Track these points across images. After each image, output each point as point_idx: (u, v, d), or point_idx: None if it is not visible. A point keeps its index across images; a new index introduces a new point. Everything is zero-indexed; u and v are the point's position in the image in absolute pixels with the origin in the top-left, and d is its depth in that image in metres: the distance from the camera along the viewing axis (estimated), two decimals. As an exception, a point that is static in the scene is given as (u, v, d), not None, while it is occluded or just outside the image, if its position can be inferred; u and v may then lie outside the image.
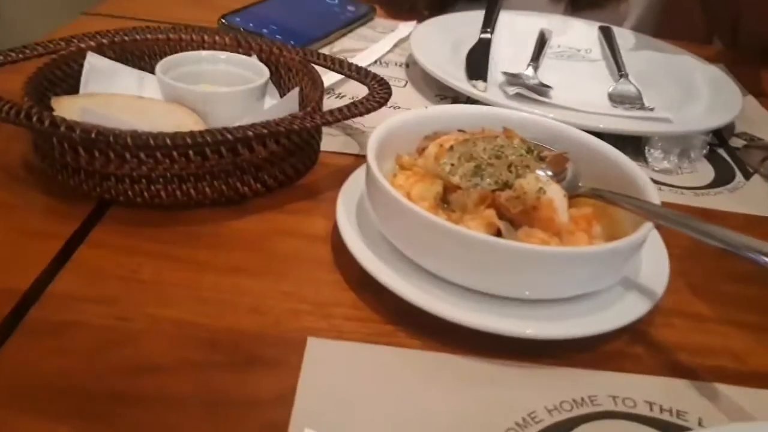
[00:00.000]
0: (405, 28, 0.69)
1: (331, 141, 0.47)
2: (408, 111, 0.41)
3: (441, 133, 0.40)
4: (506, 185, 0.35)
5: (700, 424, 0.28)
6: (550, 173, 0.37)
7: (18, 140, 0.42)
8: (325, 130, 0.47)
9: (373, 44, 0.65)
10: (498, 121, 0.41)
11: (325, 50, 0.64)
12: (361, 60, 0.62)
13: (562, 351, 0.31)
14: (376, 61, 0.63)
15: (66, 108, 0.40)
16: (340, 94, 0.55)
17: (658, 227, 0.34)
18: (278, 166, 0.40)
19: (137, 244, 0.35)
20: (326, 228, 0.38)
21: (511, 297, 0.31)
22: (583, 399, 0.29)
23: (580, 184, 0.37)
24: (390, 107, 0.53)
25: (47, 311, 0.31)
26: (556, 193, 0.34)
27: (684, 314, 0.35)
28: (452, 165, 0.36)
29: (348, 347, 0.31)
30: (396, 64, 0.63)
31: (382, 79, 0.45)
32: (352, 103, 0.42)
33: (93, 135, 0.35)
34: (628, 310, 0.32)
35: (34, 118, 0.35)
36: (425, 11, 0.80)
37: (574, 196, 0.36)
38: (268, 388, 0.28)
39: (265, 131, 0.37)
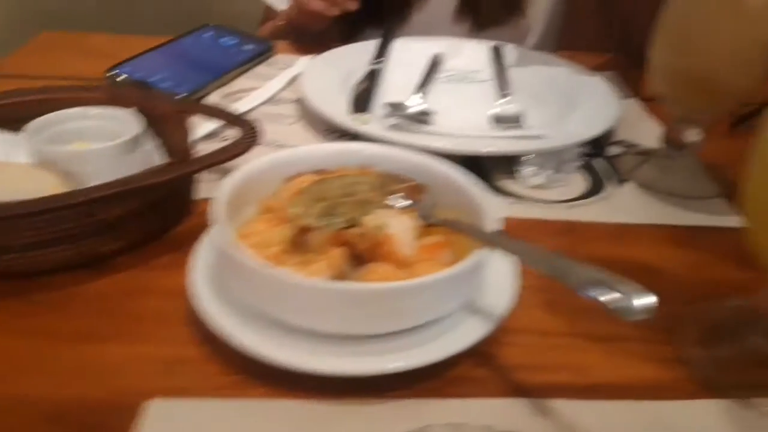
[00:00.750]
0: (303, 63, 0.70)
1: (208, 188, 0.48)
2: (273, 153, 0.42)
3: (303, 174, 0.41)
4: (353, 223, 0.36)
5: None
6: (405, 204, 0.38)
7: None
8: (202, 176, 0.47)
9: (264, 84, 0.66)
10: (359, 157, 0.42)
11: (220, 92, 0.65)
12: (253, 100, 0.62)
13: (405, 382, 0.32)
14: (268, 99, 0.64)
15: None
16: (224, 137, 0.55)
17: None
18: (140, 221, 0.40)
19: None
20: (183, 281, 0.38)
21: (344, 335, 0.32)
22: (418, 429, 0.29)
23: (434, 213, 0.38)
24: (278, 145, 0.54)
25: None
26: (398, 227, 0.35)
27: (533, 332, 0.36)
28: (305, 207, 0.37)
29: (192, 404, 0.31)
30: (289, 101, 0.64)
31: (250, 123, 0.46)
32: (213, 151, 0.42)
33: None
34: (465, 335, 0.33)
35: None
36: (334, 42, 0.83)
37: (429, 225, 0.38)
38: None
39: (114, 190, 0.37)
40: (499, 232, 0.34)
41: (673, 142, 0.51)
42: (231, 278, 0.34)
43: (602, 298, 0.27)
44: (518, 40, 0.87)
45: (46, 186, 0.41)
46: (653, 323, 0.36)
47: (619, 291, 0.27)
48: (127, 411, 0.30)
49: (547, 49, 0.90)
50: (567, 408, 0.31)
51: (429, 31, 0.83)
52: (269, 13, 0.93)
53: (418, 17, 0.87)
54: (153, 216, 0.41)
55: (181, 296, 0.37)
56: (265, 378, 0.32)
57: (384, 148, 0.43)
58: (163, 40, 0.72)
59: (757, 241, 0.31)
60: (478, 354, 0.34)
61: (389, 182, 0.39)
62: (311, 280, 0.31)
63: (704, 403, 0.32)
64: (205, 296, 0.34)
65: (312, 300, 0.31)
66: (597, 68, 0.68)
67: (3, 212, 0.35)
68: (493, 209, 0.36)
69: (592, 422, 0.31)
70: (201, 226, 0.42)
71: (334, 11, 0.73)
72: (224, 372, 0.33)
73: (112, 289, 0.38)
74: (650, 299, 0.26)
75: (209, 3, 1.28)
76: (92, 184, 0.37)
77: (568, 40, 0.91)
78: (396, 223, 0.35)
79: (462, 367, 0.33)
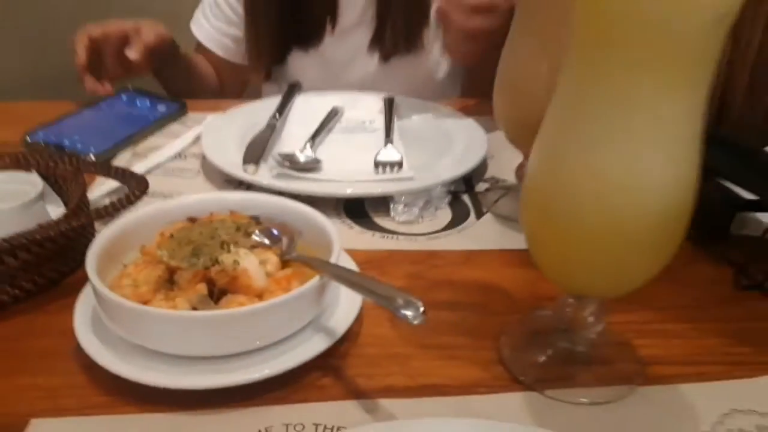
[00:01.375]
0: (209, 120, 0.77)
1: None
2: (151, 204, 0.48)
3: (176, 221, 0.47)
4: (215, 261, 0.42)
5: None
6: (261, 242, 0.44)
7: None
8: (99, 229, 0.53)
9: (173, 142, 0.72)
10: (228, 204, 0.48)
11: (131, 150, 0.71)
12: (159, 156, 0.68)
13: (256, 392, 0.37)
14: (175, 156, 0.70)
15: None
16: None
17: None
18: (36, 271, 0.46)
19: None
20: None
21: (197, 356, 0.38)
22: (261, 430, 0.35)
23: (292, 251, 0.44)
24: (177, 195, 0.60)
25: None
26: (251, 263, 0.41)
27: (375, 344, 0.42)
28: (172, 250, 0.43)
29: (69, 422, 0.36)
30: (195, 156, 0.70)
31: (140, 178, 0.52)
32: (103, 206, 0.48)
33: None
34: (307, 350, 0.38)
35: None
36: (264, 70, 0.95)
37: (288, 260, 0.44)
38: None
39: (9, 244, 0.42)
40: (335, 265, 0.40)
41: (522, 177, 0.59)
42: (105, 312, 0.39)
43: (393, 309, 0.33)
44: (429, 72, 0.96)
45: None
46: (483, 332, 0.43)
47: (406, 305, 0.33)
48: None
49: (457, 81, 0.99)
50: (394, 406, 0.37)
51: (345, 61, 0.95)
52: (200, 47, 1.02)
53: (334, 50, 0.96)
54: (49, 266, 0.47)
55: (70, 335, 0.42)
56: (137, 397, 0.37)
57: (250, 195, 0.50)
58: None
59: (537, 260, 0.38)
60: (325, 366, 0.40)
61: (252, 225, 0.45)
62: (161, 310, 0.37)
63: (510, 395, 0.38)
64: (84, 332, 0.39)
65: (164, 327, 0.36)
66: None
67: None
68: (339, 244, 0.43)
69: (413, 415, 0.36)
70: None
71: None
72: (101, 394, 0.38)
73: (7, 332, 0.43)
74: (419, 310, 0.32)
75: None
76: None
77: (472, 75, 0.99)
78: (249, 260, 0.41)
79: (309, 377, 0.39)
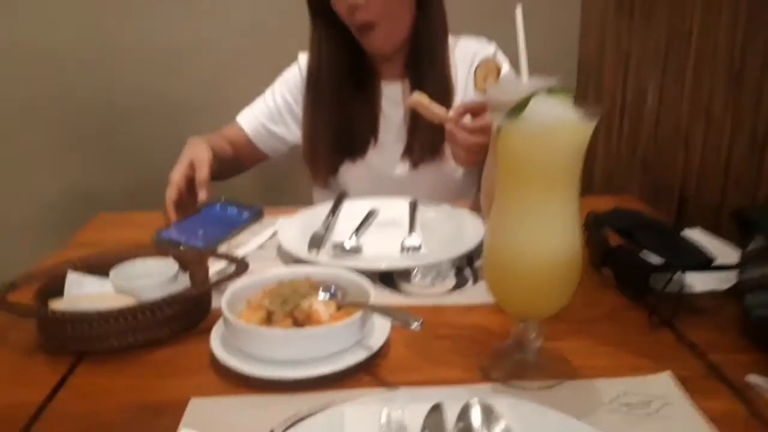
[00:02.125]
0: (280, 221, 1.04)
1: (217, 299, 0.78)
2: (258, 273, 0.74)
3: (270, 284, 0.72)
4: (297, 306, 0.66)
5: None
6: (326, 295, 0.69)
7: (22, 327, 0.72)
8: (214, 294, 0.78)
9: (256, 236, 0.99)
10: (303, 273, 0.73)
11: (227, 243, 0.98)
12: (248, 247, 0.95)
13: (326, 382, 0.60)
14: (259, 246, 0.97)
15: (57, 305, 0.71)
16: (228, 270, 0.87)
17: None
18: (179, 320, 0.71)
19: (98, 379, 0.65)
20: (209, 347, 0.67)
21: (291, 360, 0.61)
22: (327, 402, 0.58)
23: (344, 301, 0.69)
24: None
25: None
26: (319, 306, 0.66)
27: (398, 356, 0.65)
28: (270, 300, 0.68)
29: (213, 400, 0.59)
30: (272, 247, 0.97)
31: (242, 261, 0.78)
32: (219, 279, 0.74)
33: (72, 316, 0.65)
34: (353, 358, 0.62)
35: (42, 313, 0.66)
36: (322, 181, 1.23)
37: (341, 306, 0.68)
38: None
39: (159, 302, 0.68)
40: (371, 304, 0.65)
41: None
42: (231, 335, 0.64)
43: (404, 324, 0.57)
44: (449, 174, 1.22)
45: (126, 302, 0.72)
46: (470, 351, 0.66)
47: (413, 321, 0.57)
48: (176, 408, 0.59)
49: (473, 182, 1.24)
50: (409, 391, 0.60)
51: (384, 168, 1.22)
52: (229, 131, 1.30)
53: (376, 159, 1.23)
54: (186, 316, 0.72)
55: (206, 353, 0.66)
56: (250, 385, 0.61)
57: (320, 268, 0.75)
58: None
59: (495, 297, 0.61)
60: (366, 367, 0.63)
61: (319, 285, 0.70)
62: (270, 329, 0.62)
63: (487, 384, 0.60)
64: (217, 348, 0.64)
65: (269, 341, 0.61)
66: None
67: (106, 314, 0.66)
68: (373, 293, 0.67)
69: (420, 396, 0.59)
70: (215, 318, 0.72)
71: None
72: (229, 384, 0.61)
73: (165, 355, 0.68)
74: (419, 322, 0.56)
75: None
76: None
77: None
78: (318, 305, 0.66)
79: (356, 375, 0.62)
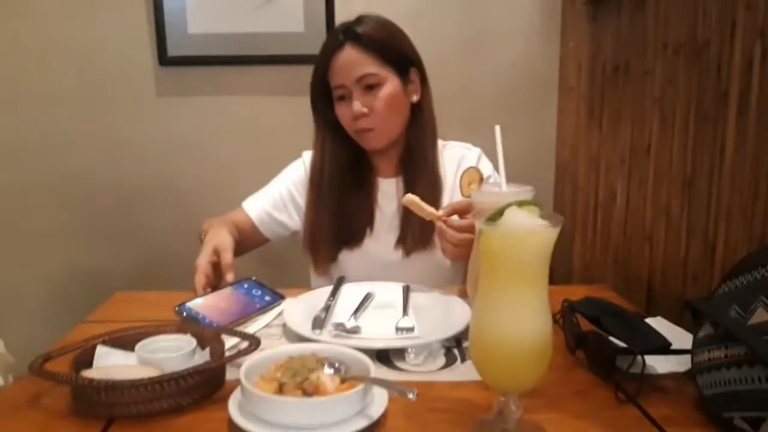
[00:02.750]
0: (286, 303, 1.14)
1: (232, 371, 0.87)
2: (269, 350, 0.83)
3: (281, 360, 0.81)
4: (306, 378, 0.76)
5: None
6: (331, 371, 0.78)
7: (59, 389, 0.80)
8: (229, 368, 0.87)
9: (263, 317, 1.09)
10: (310, 350, 0.83)
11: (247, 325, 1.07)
12: (256, 326, 1.05)
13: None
14: (267, 324, 1.06)
15: (88, 374, 0.80)
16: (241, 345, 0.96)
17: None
18: (199, 389, 0.80)
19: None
20: (227, 414, 0.76)
21: (306, 426, 0.70)
22: (333, 464, 0.66)
23: (347, 375, 0.78)
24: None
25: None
26: (326, 379, 0.75)
27: (396, 423, 0.74)
28: (282, 373, 0.77)
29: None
30: (277, 326, 1.06)
31: (254, 337, 0.88)
32: (233, 354, 0.83)
33: (106, 384, 0.74)
34: (358, 424, 0.70)
35: (78, 381, 0.75)
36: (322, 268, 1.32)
37: (345, 379, 0.77)
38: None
39: (183, 373, 0.77)
40: (371, 377, 0.74)
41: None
42: (248, 402, 0.73)
43: (401, 394, 0.67)
44: (439, 263, 1.33)
45: (151, 373, 0.81)
46: (459, 423, 0.75)
47: (408, 391, 0.67)
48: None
49: (460, 270, 1.34)
50: (404, 455, 0.68)
51: (379, 255, 1.32)
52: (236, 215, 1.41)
53: (372, 247, 1.35)
54: (206, 386, 0.81)
55: (223, 419, 0.75)
56: (264, 450, 0.69)
57: (325, 345, 0.85)
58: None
59: (480, 373, 0.71)
60: (365, 436, 0.71)
61: (324, 361, 0.80)
62: (284, 397, 0.71)
63: (469, 451, 0.69)
64: (235, 413, 0.73)
65: (283, 408, 0.70)
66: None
67: (136, 383, 0.75)
68: (373, 368, 0.77)
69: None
70: (229, 389, 0.81)
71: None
72: (245, 449, 0.70)
73: (188, 421, 0.76)
74: (414, 393, 0.66)
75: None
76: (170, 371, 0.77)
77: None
78: (325, 377, 0.75)
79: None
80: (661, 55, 1.22)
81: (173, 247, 1.91)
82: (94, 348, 0.87)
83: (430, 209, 1.10)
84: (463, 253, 1.10)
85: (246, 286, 1.18)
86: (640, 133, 1.32)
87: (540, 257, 0.66)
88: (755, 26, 0.94)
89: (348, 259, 1.37)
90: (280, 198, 1.44)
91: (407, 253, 1.34)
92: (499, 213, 0.66)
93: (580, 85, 1.69)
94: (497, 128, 0.90)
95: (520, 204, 0.66)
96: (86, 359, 0.85)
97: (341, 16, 1.67)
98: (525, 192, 0.87)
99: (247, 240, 1.43)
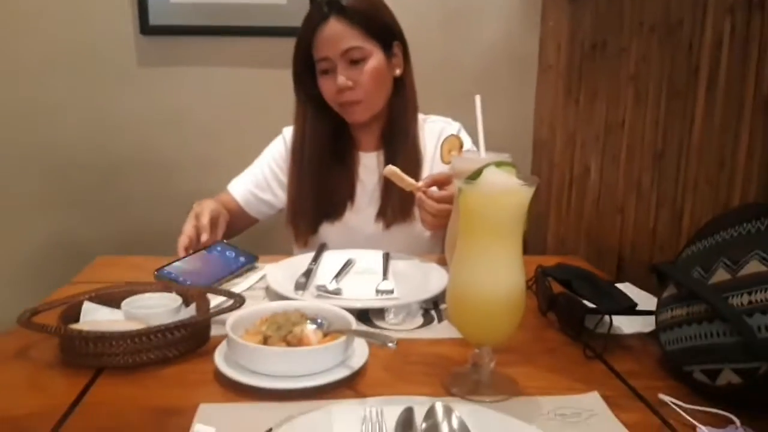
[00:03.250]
0: (269, 267, 1.16)
1: (216, 328, 0.89)
2: (254, 307, 0.86)
3: (266, 315, 0.84)
4: (290, 332, 0.78)
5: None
6: (315, 326, 0.81)
7: (47, 342, 0.82)
8: (213, 323, 0.90)
9: (245, 280, 1.11)
10: (293, 307, 0.86)
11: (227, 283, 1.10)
12: (237, 288, 1.07)
13: (313, 393, 0.72)
14: (250, 287, 1.09)
15: (77, 327, 0.82)
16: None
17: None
18: (185, 342, 0.82)
19: (117, 389, 0.75)
20: (213, 366, 0.78)
21: (288, 375, 0.73)
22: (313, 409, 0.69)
23: (329, 329, 0.81)
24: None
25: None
26: (310, 332, 0.78)
27: (375, 374, 0.77)
28: (267, 327, 0.80)
29: (218, 406, 0.70)
30: (260, 288, 1.09)
31: (238, 296, 0.90)
32: (218, 310, 0.86)
33: (95, 335, 0.76)
34: (337, 374, 0.74)
35: (67, 332, 0.77)
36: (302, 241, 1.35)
37: (328, 332, 0.80)
38: None
39: (170, 326, 0.80)
40: (352, 329, 0.77)
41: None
42: (234, 353, 0.75)
43: (382, 343, 0.70)
44: (418, 235, 1.36)
45: (138, 327, 0.83)
46: (435, 374, 0.78)
47: (389, 341, 0.70)
48: (187, 412, 0.69)
49: (437, 239, 1.38)
50: (382, 400, 0.71)
51: (359, 228, 1.35)
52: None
53: (352, 220, 1.37)
54: (191, 340, 0.83)
55: (209, 371, 0.77)
56: (249, 395, 0.72)
57: (308, 303, 0.88)
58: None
59: (456, 326, 0.74)
60: (349, 382, 0.75)
61: (307, 316, 0.83)
62: (268, 347, 0.74)
63: (447, 398, 0.73)
64: (220, 363, 0.75)
65: (267, 357, 0.73)
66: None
67: (125, 334, 0.77)
68: (353, 322, 0.80)
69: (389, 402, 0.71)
70: (214, 344, 0.84)
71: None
72: (231, 393, 0.72)
73: (173, 372, 0.78)
74: (394, 342, 0.69)
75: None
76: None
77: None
78: (308, 330, 0.78)
79: (340, 388, 0.74)
80: (637, 32, 1.26)
81: (153, 217, 1.91)
82: (80, 304, 0.89)
83: (410, 180, 1.13)
84: (441, 224, 1.13)
85: (219, 249, 1.21)
86: (615, 110, 1.36)
87: (515, 215, 0.70)
88: (726, 5, 0.98)
89: (328, 231, 1.40)
90: (263, 177, 1.45)
91: (387, 225, 1.37)
92: (477, 173, 0.69)
93: (559, 64, 1.73)
94: (477, 97, 0.93)
95: (498, 164, 0.70)
96: (73, 315, 0.87)
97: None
98: (502, 158, 0.90)
99: (237, 222, 1.44)
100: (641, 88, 1.25)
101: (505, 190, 0.68)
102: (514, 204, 0.69)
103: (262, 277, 1.11)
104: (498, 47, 1.91)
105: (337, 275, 1.09)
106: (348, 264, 1.16)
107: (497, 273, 0.70)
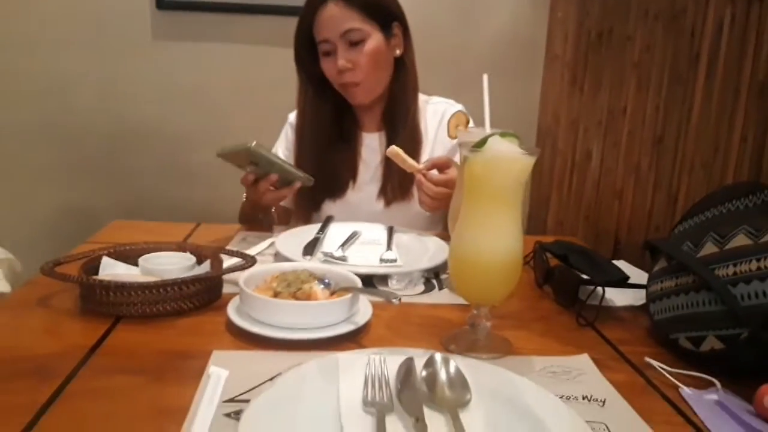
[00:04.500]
0: (279, 231, 1.21)
1: (228, 287, 0.94)
2: (265, 265, 0.90)
3: (276, 273, 0.89)
4: (300, 288, 0.83)
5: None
6: (323, 285, 0.85)
7: (67, 293, 0.87)
8: (226, 281, 0.94)
9: (254, 246, 1.16)
10: (303, 267, 0.90)
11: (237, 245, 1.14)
12: (253, 250, 1.12)
13: (320, 345, 0.76)
14: (257, 254, 1.13)
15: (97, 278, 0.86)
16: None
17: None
18: (200, 295, 0.87)
19: (135, 335, 0.80)
20: (225, 318, 0.83)
21: (297, 327, 0.78)
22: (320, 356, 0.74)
23: (336, 287, 0.86)
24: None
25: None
26: (318, 289, 0.82)
27: (383, 332, 0.82)
28: (278, 283, 0.84)
29: (230, 353, 0.75)
30: (269, 254, 1.14)
31: (250, 256, 0.95)
32: (230, 266, 0.90)
33: (115, 285, 0.81)
34: (344, 329, 0.78)
35: (89, 281, 0.81)
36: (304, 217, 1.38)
37: (334, 291, 0.85)
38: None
39: (186, 279, 0.84)
40: (358, 287, 0.82)
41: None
42: (246, 305, 0.80)
43: (387, 299, 0.74)
44: (417, 213, 1.39)
45: (155, 280, 0.88)
46: (436, 333, 0.83)
47: (393, 296, 0.75)
48: (201, 356, 0.74)
49: (438, 221, 1.42)
50: (389, 350, 0.76)
51: (360, 205, 1.38)
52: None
53: (354, 197, 1.41)
54: (205, 294, 0.88)
55: (221, 322, 0.82)
56: (261, 343, 0.76)
57: (316, 264, 0.92)
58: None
59: (456, 287, 0.79)
60: (355, 335, 0.79)
61: (316, 275, 0.87)
62: (278, 300, 0.78)
63: (446, 354, 0.77)
64: (233, 315, 0.80)
65: (278, 309, 0.77)
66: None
67: (143, 285, 0.81)
68: (359, 282, 0.84)
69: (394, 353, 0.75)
70: (225, 301, 0.88)
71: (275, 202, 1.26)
72: (242, 342, 0.77)
73: (189, 324, 0.83)
74: (398, 298, 0.74)
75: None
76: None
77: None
78: (316, 287, 0.82)
79: (347, 340, 0.78)
80: (642, 21, 1.29)
81: (164, 190, 1.96)
82: (99, 258, 0.93)
83: (412, 162, 1.17)
84: (438, 206, 1.17)
85: None
86: (617, 96, 1.40)
87: (517, 182, 0.74)
88: (728, -8, 1.01)
89: (330, 208, 1.43)
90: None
91: (388, 203, 1.41)
92: (483, 141, 0.73)
93: (566, 54, 1.76)
94: (485, 76, 0.97)
95: (502, 134, 0.74)
96: (92, 268, 0.92)
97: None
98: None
99: (267, 213, 1.45)
100: (644, 75, 1.28)
101: (508, 157, 0.73)
102: (515, 171, 0.73)
103: (272, 244, 1.16)
104: (507, 35, 1.94)
105: (343, 244, 1.14)
106: (354, 235, 1.21)
107: (497, 236, 0.74)
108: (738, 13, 0.98)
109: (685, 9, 1.13)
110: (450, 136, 1.05)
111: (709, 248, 0.81)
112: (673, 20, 1.18)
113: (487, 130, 0.97)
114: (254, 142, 1.10)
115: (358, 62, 1.32)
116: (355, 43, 1.31)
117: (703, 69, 1.07)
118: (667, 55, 1.19)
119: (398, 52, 1.38)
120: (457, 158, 1.19)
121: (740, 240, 0.76)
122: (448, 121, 1.06)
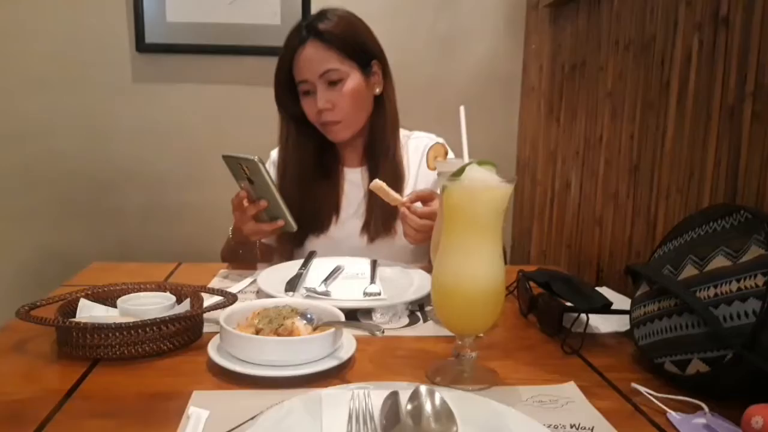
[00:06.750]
0: (261, 270, 1.19)
1: (209, 325, 0.93)
2: (246, 302, 0.89)
3: (258, 309, 0.87)
4: (282, 325, 0.82)
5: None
6: (305, 321, 0.84)
7: (43, 337, 0.85)
8: (207, 318, 0.93)
9: (236, 284, 1.14)
10: (284, 303, 0.89)
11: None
12: (235, 288, 1.10)
13: (301, 382, 0.75)
14: (243, 289, 1.12)
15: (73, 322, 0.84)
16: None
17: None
18: (179, 336, 0.85)
19: (113, 378, 0.78)
20: (205, 358, 0.81)
21: (279, 364, 0.76)
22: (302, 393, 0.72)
23: (318, 322, 0.85)
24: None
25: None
26: (301, 325, 0.81)
27: (365, 367, 0.81)
28: (259, 320, 0.83)
29: (211, 393, 0.73)
30: (251, 292, 1.12)
31: (230, 294, 0.94)
32: (211, 305, 0.89)
33: (92, 326, 0.79)
34: (327, 364, 0.77)
35: (65, 323, 0.79)
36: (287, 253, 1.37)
37: (317, 326, 0.84)
38: (176, 405, 0.70)
39: (165, 319, 0.83)
40: (341, 321, 0.81)
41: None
42: (227, 344, 0.79)
43: (370, 331, 0.74)
44: (401, 248, 1.39)
45: (133, 321, 0.86)
46: (420, 366, 0.82)
47: (376, 329, 0.74)
48: (181, 397, 0.72)
49: (421, 252, 1.41)
50: (373, 384, 0.75)
51: (344, 241, 1.37)
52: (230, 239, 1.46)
53: (337, 233, 1.41)
54: (185, 334, 0.86)
55: (202, 362, 0.80)
56: (242, 382, 0.75)
57: (298, 299, 0.91)
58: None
59: (440, 317, 0.78)
60: (337, 372, 0.78)
61: (297, 311, 0.86)
62: (260, 336, 0.77)
63: (432, 386, 0.76)
64: (214, 354, 0.78)
65: (259, 346, 0.76)
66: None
67: (121, 326, 0.80)
68: (341, 316, 0.83)
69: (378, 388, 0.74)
70: (206, 340, 0.87)
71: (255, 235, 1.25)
72: (223, 381, 0.75)
73: (168, 364, 0.81)
74: (381, 330, 0.73)
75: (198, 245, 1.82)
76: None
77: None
78: (299, 322, 0.81)
79: (329, 377, 0.77)
80: (614, 51, 1.33)
81: (146, 230, 1.94)
82: (77, 301, 0.92)
83: (395, 195, 1.17)
84: (423, 238, 1.17)
85: None
86: (593, 126, 1.43)
87: (496, 211, 0.74)
88: (694, 21, 1.04)
89: (313, 244, 1.42)
90: None
91: (371, 238, 1.40)
92: (461, 170, 0.73)
93: (541, 85, 1.80)
94: (462, 108, 0.98)
95: (480, 163, 0.74)
96: (69, 311, 0.90)
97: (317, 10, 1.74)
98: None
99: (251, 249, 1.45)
100: (617, 104, 1.31)
101: (486, 185, 0.73)
102: (494, 199, 0.74)
103: (253, 281, 1.15)
104: (485, 68, 1.98)
105: (326, 279, 1.13)
106: (337, 270, 1.20)
107: (477, 265, 0.74)
108: (705, 40, 1.01)
109: (654, 38, 1.17)
110: (429, 168, 1.05)
111: (689, 271, 0.81)
112: (643, 49, 1.21)
113: (466, 160, 0.98)
114: (258, 157, 1.13)
115: (337, 102, 1.33)
116: (334, 83, 1.32)
117: (674, 95, 1.09)
118: (639, 84, 1.22)
119: (378, 90, 1.39)
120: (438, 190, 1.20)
121: (719, 261, 0.77)
122: (427, 153, 1.07)
